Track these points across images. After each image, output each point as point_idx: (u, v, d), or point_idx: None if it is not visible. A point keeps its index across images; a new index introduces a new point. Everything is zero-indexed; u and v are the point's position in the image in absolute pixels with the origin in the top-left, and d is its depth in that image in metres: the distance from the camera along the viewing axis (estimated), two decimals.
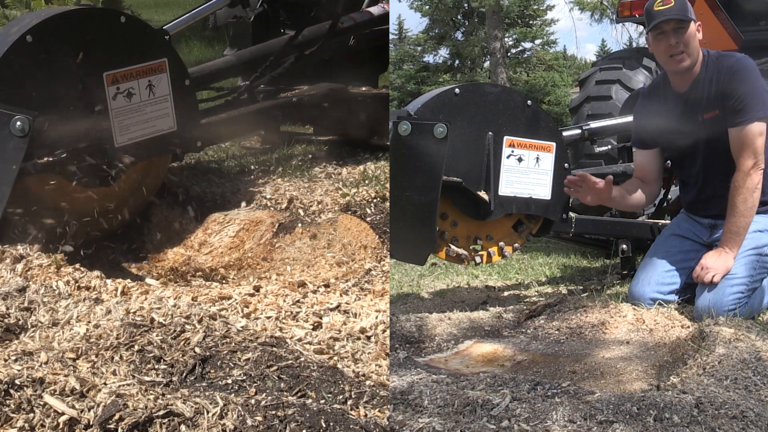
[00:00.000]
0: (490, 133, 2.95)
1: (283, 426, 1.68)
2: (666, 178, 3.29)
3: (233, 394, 1.86)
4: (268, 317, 2.45)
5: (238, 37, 5.23)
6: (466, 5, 23.92)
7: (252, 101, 4.42)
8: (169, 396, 1.82)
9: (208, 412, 1.72)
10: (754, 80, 2.87)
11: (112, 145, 3.33)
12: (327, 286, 2.98)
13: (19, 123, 2.85)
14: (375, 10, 4.93)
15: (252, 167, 4.51)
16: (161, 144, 3.57)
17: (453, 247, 2.99)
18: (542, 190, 3.04)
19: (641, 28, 8.77)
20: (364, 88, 4.86)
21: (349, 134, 4.78)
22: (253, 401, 1.78)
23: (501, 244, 3.09)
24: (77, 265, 2.87)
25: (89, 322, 2.29)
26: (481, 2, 20.41)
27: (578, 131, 3.58)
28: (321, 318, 2.49)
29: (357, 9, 4.98)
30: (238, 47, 4.93)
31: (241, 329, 2.25)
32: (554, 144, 3.04)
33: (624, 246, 3.65)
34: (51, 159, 3.14)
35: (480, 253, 3.06)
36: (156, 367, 2.02)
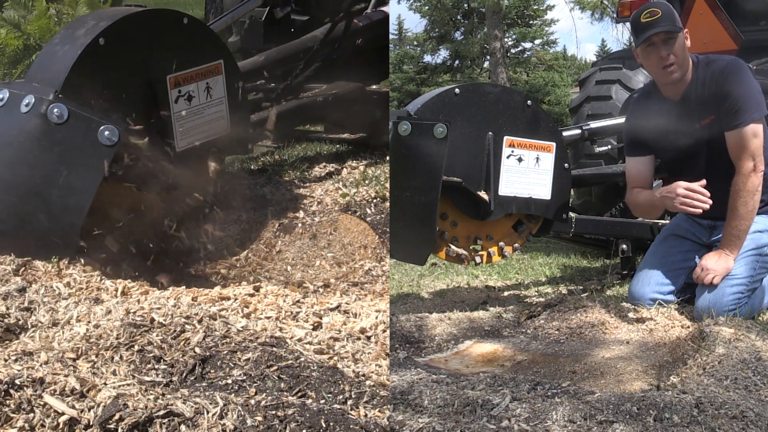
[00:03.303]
0: (490, 133, 2.95)
1: (283, 426, 1.68)
2: (665, 178, 3.28)
3: (233, 394, 1.86)
4: (268, 317, 2.44)
5: (250, 37, 5.23)
6: (465, 5, 23.93)
7: (286, 100, 4.39)
8: (169, 396, 1.82)
9: (208, 412, 1.72)
10: (747, 81, 2.86)
11: (175, 150, 3.25)
12: (327, 286, 2.98)
13: (107, 132, 2.77)
14: (389, 9, 4.96)
15: (252, 167, 4.51)
16: (218, 147, 3.49)
17: (453, 247, 2.99)
18: (542, 190, 3.04)
19: None
20: (375, 87, 4.88)
21: (365, 132, 4.77)
22: (253, 401, 1.78)
23: (501, 244, 3.09)
24: (78, 266, 2.86)
25: (89, 322, 2.28)
26: (481, 2, 20.40)
27: (578, 131, 3.57)
28: (321, 318, 2.48)
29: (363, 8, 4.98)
30: (249, 47, 4.94)
31: (241, 329, 2.25)
32: (554, 144, 3.04)
33: (624, 246, 3.65)
34: (125, 165, 2.99)
35: (480, 253, 3.06)
36: (156, 367, 2.02)
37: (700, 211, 2.81)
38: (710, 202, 2.79)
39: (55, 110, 2.79)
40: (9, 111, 2.87)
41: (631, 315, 2.88)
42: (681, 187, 2.82)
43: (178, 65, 3.27)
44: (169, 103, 3.24)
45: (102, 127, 2.78)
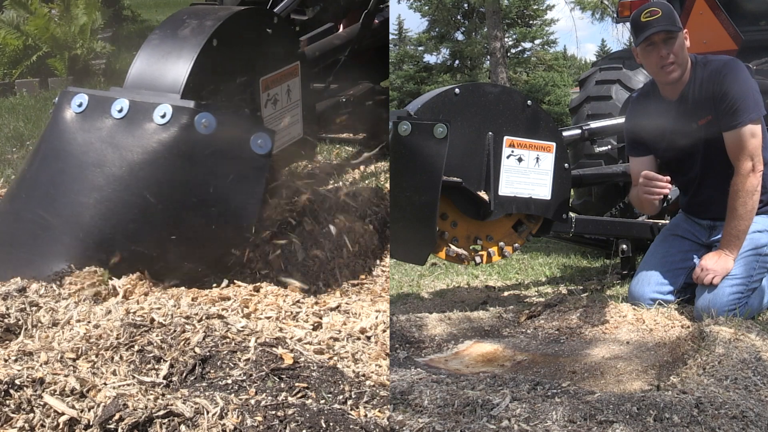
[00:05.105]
0: (490, 133, 2.95)
1: (283, 426, 1.68)
2: None
3: (233, 394, 1.86)
4: (268, 317, 2.45)
5: None
6: (466, 5, 23.95)
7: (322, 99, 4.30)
8: (169, 396, 1.82)
9: (208, 412, 1.72)
10: (745, 81, 2.86)
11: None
12: (327, 286, 2.97)
13: (260, 140, 2.59)
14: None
15: None
16: (291, 153, 3.36)
17: (453, 247, 2.99)
18: (542, 190, 3.04)
19: None
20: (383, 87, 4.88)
21: (378, 132, 4.76)
22: (253, 401, 1.78)
23: (501, 244, 3.09)
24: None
25: (89, 322, 2.28)
26: (481, 2, 20.41)
27: (578, 131, 3.58)
28: (321, 318, 2.49)
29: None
30: None
31: (241, 329, 2.25)
32: (554, 144, 3.04)
33: (624, 246, 3.65)
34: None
35: (480, 253, 3.06)
36: (156, 367, 2.02)
37: (660, 197, 2.89)
38: (668, 189, 2.86)
39: (203, 120, 2.56)
40: (136, 123, 2.60)
41: (631, 315, 2.88)
42: (642, 176, 2.88)
43: (270, 67, 3.10)
44: (260, 107, 3.06)
45: (254, 136, 2.60)
